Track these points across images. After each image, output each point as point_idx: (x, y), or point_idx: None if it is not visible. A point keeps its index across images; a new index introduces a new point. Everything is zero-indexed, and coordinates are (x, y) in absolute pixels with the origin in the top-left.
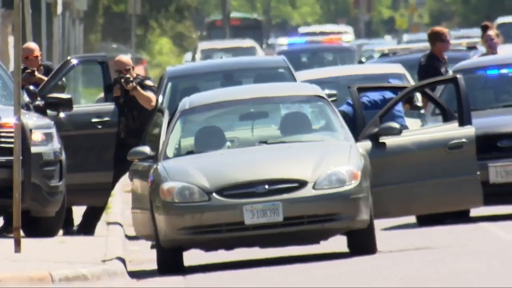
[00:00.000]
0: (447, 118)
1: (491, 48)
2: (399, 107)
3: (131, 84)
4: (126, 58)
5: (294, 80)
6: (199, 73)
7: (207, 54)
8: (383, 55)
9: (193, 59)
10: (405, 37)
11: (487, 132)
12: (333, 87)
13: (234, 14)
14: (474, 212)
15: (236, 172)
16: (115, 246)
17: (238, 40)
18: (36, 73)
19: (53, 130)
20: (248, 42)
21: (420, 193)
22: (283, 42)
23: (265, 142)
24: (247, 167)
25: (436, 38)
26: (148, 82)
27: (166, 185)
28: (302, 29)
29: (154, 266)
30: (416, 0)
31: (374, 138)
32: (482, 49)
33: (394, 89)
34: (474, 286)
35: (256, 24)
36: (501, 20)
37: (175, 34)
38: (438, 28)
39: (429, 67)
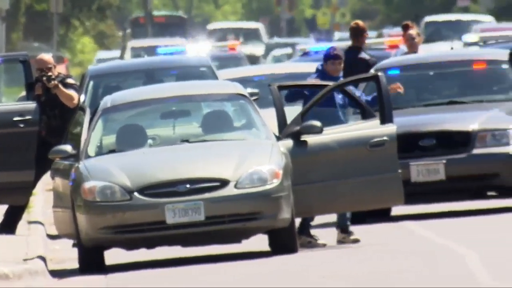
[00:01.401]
0: (366, 116)
1: (412, 47)
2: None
3: (52, 83)
4: (47, 56)
5: (216, 78)
6: (121, 71)
7: (137, 52)
8: (305, 53)
9: (122, 57)
10: (337, 35)
11: (409, 131)
12: (255, 86)
13: (158, 12)
14: (396, 210)
15: (157, 171)
16: (37, 245)
17: (169, 38)
18: None
19: None
20: (179, 40)
21: (342, 191)
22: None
23: (187, 141)
24: (169, 166)
25: (356, 32)
26: (70, 81)
27: (87, 184)
28: (210, 26)
29: (75, 265)
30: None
31: (296, 136)
32: (404, 48)
33: (315, 87)
34: (396, 285)
35: (180, 21)
36: (428, 19)
37: (97, 33)
38: (360, 22)
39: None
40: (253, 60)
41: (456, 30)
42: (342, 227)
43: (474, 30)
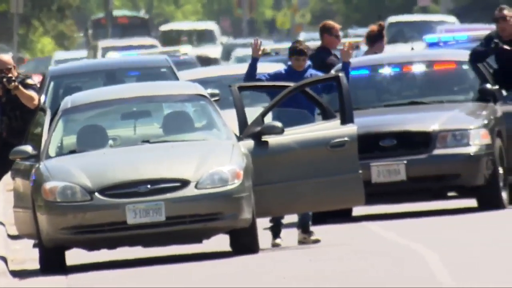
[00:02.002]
0: (326, 117)
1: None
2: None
3: (13, 84)
4: (7, 57)
5: (177, 79)
6: (82, 72)
7: (108, 52)
8: (265, 54)
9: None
10: (302, 35)
11: (369, 131)
12: (215, 87)
13: (120, 12)
14: (356, 211)
15: (118, 171)
16: None
17: (140, 38)
18: None
19: None
20: (149, 40)
21: (303, 192)
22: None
23: (148, 141)
24: (130, 166)
25: (324, 31)
26: (30, 81)
27: (48, 185)
28: (163, 27)
29: (36, 265)
30: (298, 0)
31: (257, 137)
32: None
33: (277, 88)
34: (356, 285)
35: (143, 22)
36: (392, 19)
37: (57, 33)
38: (328, 22)
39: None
40: (207, 62)
41: (420, 31)
42: (303, 227)
43: (439, 31)
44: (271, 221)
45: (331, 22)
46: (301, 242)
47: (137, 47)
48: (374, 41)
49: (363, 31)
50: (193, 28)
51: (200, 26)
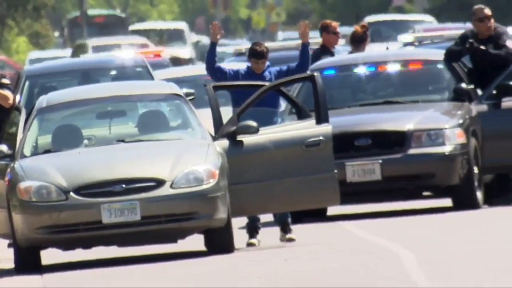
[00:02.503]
0: (301, 116)
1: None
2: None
3: None
4: None
5: (152, 78)
6: (57, 72)
7: (99, 51)
8: (239, 54)
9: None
10: (280, 35)
11: (344, 131)
12: (190, 86)
13: (96, 11)
14: (332, 210)
15: (93, 171)
16: None
17: (131, 36)
18: None
19: None
20: (141, 39)
21: (278, 191)
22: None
23: (123, 141)
24: (105, 166)
25: (322, 30)
26: (5, 81)
27: (23, 184)
28: (132, 27)
29: (11, 265)
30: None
31: (232, 136)
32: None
33: (252, 87)
34: (332, 285)
35: (120, 21)
36: (369, 19)
37: (32, 33)
38: (325, 21)
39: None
40: (177, 62)
41: (398, 30)
42: (281, 225)
43: (417, 30)
44: (248, 220)
45: (327, 21)
46: (281, 240)
47: (129, 45)
48: (359, 41)
49: (343, 30)
50: (163, 28)
51: (170, 25)
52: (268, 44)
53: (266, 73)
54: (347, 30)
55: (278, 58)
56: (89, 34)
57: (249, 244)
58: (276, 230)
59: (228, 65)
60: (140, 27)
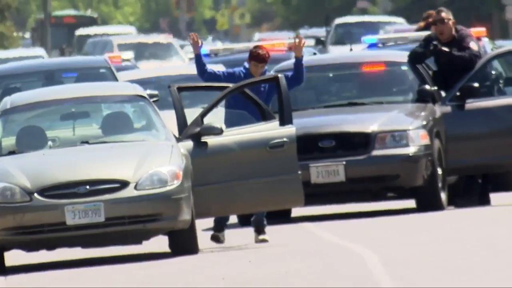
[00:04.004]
0: (265, 118)
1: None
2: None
3: None
4: None
5: (116, 80)
6: (21, 73)
7: (125, 49)
8: (204, 55)
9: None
10: (256, 35)
11: (308, 132)
12: (154, 87)
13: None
14: (296, 212)
15: (57, 172)
16: None
17: (155, 35)
18: None
19: None
20: (164, 37)
21: (242, 193)
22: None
23: (87, 142)
24: (69, 167)
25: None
26: None
27: None
28: (80, 31)
29: None
30: (237, 0)
31: (196, 137)
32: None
33: (216, 89)
34: (295, 286)
35: (91, 22)
36: (339, 20)
37: None
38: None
39: None
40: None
41: (369, 31)
42: (256, 226)
43: (388, 31)
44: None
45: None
46: (255, 241)
47: (152, 44)
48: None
49: (314, 31)
50: (109, 32)
51: (117, 30)
52: (213, 47)
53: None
54: (316, 31)
55: (224, 61)
56: (58, 35)
57: (213, 237)
58: (242, 231)
59: (217, 68)
60: (87, 32)
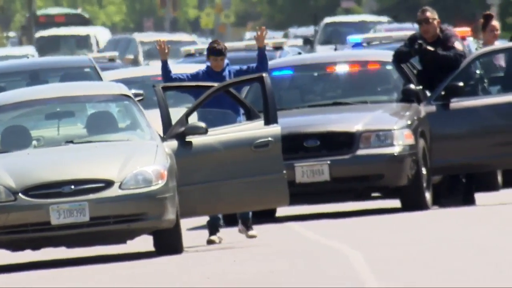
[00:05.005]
0: (250, 117)
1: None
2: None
3: None
4: None
5: (101, 79)
6: (4, 72)
7: (148, 46)
8: (189, 55)
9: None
10: (248, 35)
11: (293, 132)
12: (139, 87)
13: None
14: (280, 211)
15: (42, 172)
16: None
17: (180, 33)
18: None
19: None
20: (188, 36)
21: (227, 192)
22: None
23: (72, 142)
24: (53, 167)
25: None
26: None
27: None
28: (39, 34)
29: None
30: (222, 0)
31: (181, 137)
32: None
33: (201, 88)
34: (280, 285)
35: (82, 20)
36: (328, 20)
37: None
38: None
39: None
40: None
41: (359, 31)
42: (242, 220)
43: (378, 30)
44: (209, 217)
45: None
46: (240, 232)
47: (177, 43)
48: (484, 30)
49: (303, 31)
50: (71, 34)
51: (79, 31)
52: (198, 47)
53: (226, 72)
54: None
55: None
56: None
57: (209, 242)
58: (227, 230)
59: (181, 70)
60: (48, 33)
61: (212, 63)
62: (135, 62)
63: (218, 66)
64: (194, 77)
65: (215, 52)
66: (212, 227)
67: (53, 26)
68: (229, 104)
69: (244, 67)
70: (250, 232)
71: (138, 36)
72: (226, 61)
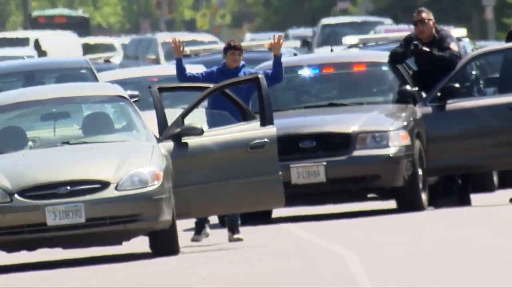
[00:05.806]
0: (246, 118)
1: None
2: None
3: None
4: None
5: (96, 80)
6: (1, 73)
7: (168, 47)
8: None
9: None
10: (247, 36)
11: (289, 133)
12: (135, 88)
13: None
14: (276, 212)
15: (37, 173)
16: None
17: (200, 33)
18: None
19: None
20: (209, 36)
21: (222, 193)
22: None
23: (67, 143)
24: (49, 168)
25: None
26: None
27: None
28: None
29: None
30: (218, 1)
31: (177, 138)
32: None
33: (197, 89)
34: (276, 285)
35: (82, 21)
36: (325, 21)
37: None
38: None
39: None
40: None
41: (359, 32)
42: (230, 225)
43: (378, 31)
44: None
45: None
46: (229, 240)
47: (199, 43)
48: None
49: (302, 31)
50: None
51: (57, 34)
52: (194, 48)
53: (241, 73)
54: (303, 32)
55: (204, 62)
56: None
57: (194, 240)
58: (223, 232)
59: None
60: (25, 36)
61: (229, 59)
62: (156, 62)
63: (235, 61)
64: (209, 75)
65: (233, 46)
66: (199, 225)
67: (53, 28)
68: (233, 106)
69: (260, 71)
70: (236, 235)
71: (159, 36)
72: (242, 62)
